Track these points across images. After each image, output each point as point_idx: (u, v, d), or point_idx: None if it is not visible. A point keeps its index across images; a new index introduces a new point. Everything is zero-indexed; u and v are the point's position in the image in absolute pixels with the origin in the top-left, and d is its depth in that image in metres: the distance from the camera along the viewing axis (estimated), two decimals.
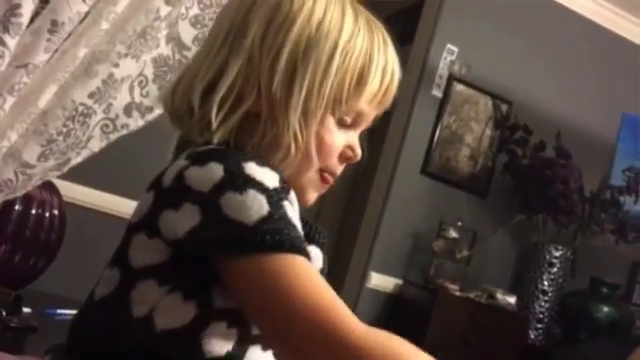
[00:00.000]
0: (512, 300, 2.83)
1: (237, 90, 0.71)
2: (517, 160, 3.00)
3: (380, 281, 2.94)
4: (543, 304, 2.94)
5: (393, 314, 2.94)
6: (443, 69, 3.03)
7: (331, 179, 0.78)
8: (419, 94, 3.00)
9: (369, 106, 0.76)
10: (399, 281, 2.96)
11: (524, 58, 3.15)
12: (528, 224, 3.03)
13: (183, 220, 0.63)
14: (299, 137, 0.72)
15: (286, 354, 0.64)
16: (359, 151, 0.78)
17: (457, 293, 2.78)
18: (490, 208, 3.09)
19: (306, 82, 0.71)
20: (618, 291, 3.01)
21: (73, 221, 1.85)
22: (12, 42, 1.11)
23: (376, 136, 3.58)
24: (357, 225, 3.14)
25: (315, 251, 0.75)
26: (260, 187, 0.64)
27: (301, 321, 0.60)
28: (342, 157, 0.77)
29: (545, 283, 2.95)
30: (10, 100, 1.10)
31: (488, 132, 3.11)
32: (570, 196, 2.83)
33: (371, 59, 0.74)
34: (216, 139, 0.71)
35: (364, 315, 2.91)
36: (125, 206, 2.39)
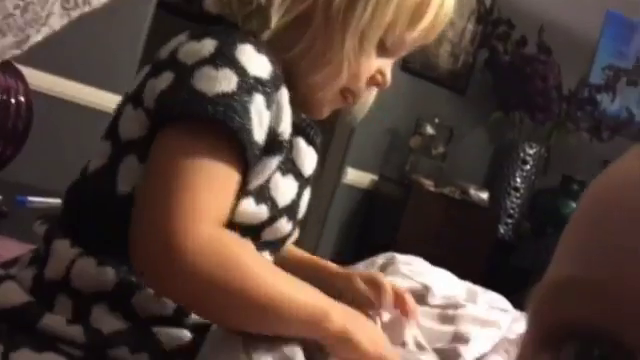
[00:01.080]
0: (484, 196, 2.88)
1: None
2: (498, 56, 2.95)
3: (356, 176, 2.96)
4: (514, 200, 3.01)
5: (368, 209, 2.98)
6: None
7: (352, 100, 0.76)
8: None
9: (413, 39, 0.74)
10: (375, 177, 2.98)
11: None
12: (505, 121, 3.03)
13: (158, 85, 0.63)
14: (352, 58, 0.70)
15: (130, 230, 0.62)
16: (389, 78, 0.76)
17: (431, 189, 2.82)
18: (468, 105, 3.08)
19: (371, 4, 0.69)
20: None
21: (40, 110, 1.79)
22: None
23: None
24: (334, 119, 3.12)
25: (310, 152, 0.75)
26: (240, 70, 0.62)
27: (153, 204, 0.60)
28: (371, 81, 0.75)
29: (517, 180, 3.00)
30: None
31: (470, 27, 3.03)
32: (548, 93, 2.82)
33: None
34: (267, 36, 0.69)
35: (340, 210, 2.96)
36: (93, 95, 2.33)
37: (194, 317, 0.67)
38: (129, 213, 0.63)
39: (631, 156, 0.24)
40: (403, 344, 0.68)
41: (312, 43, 0.70)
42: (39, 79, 2.13)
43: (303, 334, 0.62)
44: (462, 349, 0.66)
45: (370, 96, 0.83)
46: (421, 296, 0.75)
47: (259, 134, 0.64)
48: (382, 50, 0.73)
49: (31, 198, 1.58)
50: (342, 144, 2.98)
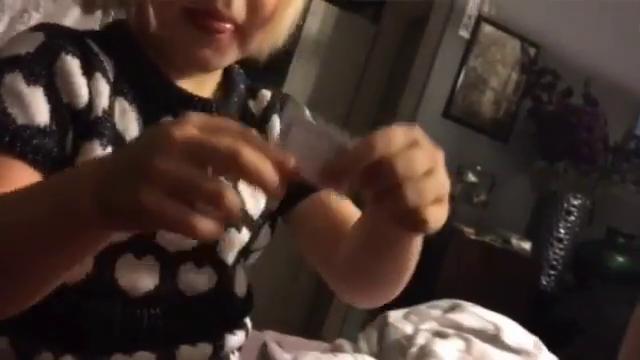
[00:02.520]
0: (527, 246, 2.84)
1: None
2: (542, 106, 2.95)
3: None
4: (557, 251, 2.95)
5: None
6: (472, 9, 2.95)
7: (214, 23, 0.60)
8: (446, 34, 2.94)
9: None
10: None
11: (556, 1, 3.05)
12: (548, 171, 3.00)
13: None
14: None
15: None
16: None
17: (472, 236, 2.79)
18: (511, 153, 3.07)
19: None
20: (634, 242, 3.01)
21: None
22: None
23: (399, 76, 3.52)
24: None
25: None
26: None
27: None
28: None
29: (561, 231, 2.95)
30: (36, 17, 1.09)
31: (514, 76, 3.05)
32: (594, 145, 2.79)
33: None
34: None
35: None
36: None
37: None
38: None
39: None
40: None
41: None
42: None
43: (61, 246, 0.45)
44: None
45: (281, 19, 0.66)
46: (493, 336, 0.75)
47: (23, 114, 0.55)
48: None
49: None
50: None
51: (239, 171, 0.37)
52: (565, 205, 2.93)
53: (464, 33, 2.95)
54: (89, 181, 0.40)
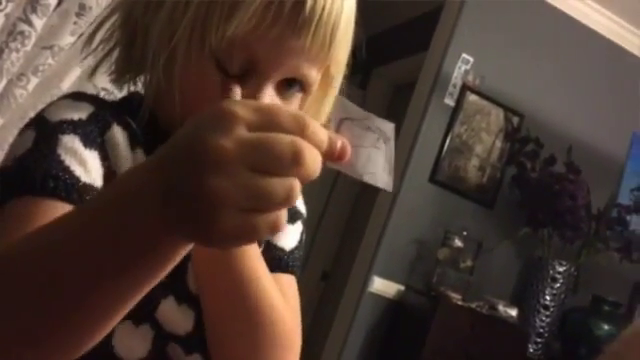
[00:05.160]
0: (513, 313, 2.82)
1: None
2: (526, 173, 3.00)
3: (382, 286, 2.95)
4: (544, 319, 2.94)
5: (394, 319, 2.94)
6: (457, 78, 3.04)
7: None
8: (431, 102, 3.01)
9: (248, 36, 0.55)
10: (401, 287, 2.96)
11: (538, 72, 3.16)
12: (533, 237, 3.03)
13: None
14: (178, 72, 0.58)
15: None
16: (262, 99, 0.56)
17: (459, 302, 2.78)
18: (496, 219, 3.10)
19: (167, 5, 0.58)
20: (619, 310, 3.01)
21: None
22: (39, 23, 1.12)
23: None
24: (362, 228, 3.14)
25: None
26: (40, 123, 0.58)
27: None
28: None
29: (547, 298, 2.95)
30: (34, 81, 1.11)
31: (498, 144, 3.11)
32: (577, 212, 2.83)
33: None
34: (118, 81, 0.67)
35: (365, 319, 2.92)
36: None
37: None
38: None
39: None
40: None
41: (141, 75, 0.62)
42: None
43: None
44: None
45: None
46: None
47: (86, 174, 0.56)
48: (218, 62, 0.56)
49: None
50: (369, 253, 2.99)
51: (296, 173, 0.36)
52: (551, 272, 2.95)
53: (449, 101, 3.03)
54: (151, 203, 0.37)
